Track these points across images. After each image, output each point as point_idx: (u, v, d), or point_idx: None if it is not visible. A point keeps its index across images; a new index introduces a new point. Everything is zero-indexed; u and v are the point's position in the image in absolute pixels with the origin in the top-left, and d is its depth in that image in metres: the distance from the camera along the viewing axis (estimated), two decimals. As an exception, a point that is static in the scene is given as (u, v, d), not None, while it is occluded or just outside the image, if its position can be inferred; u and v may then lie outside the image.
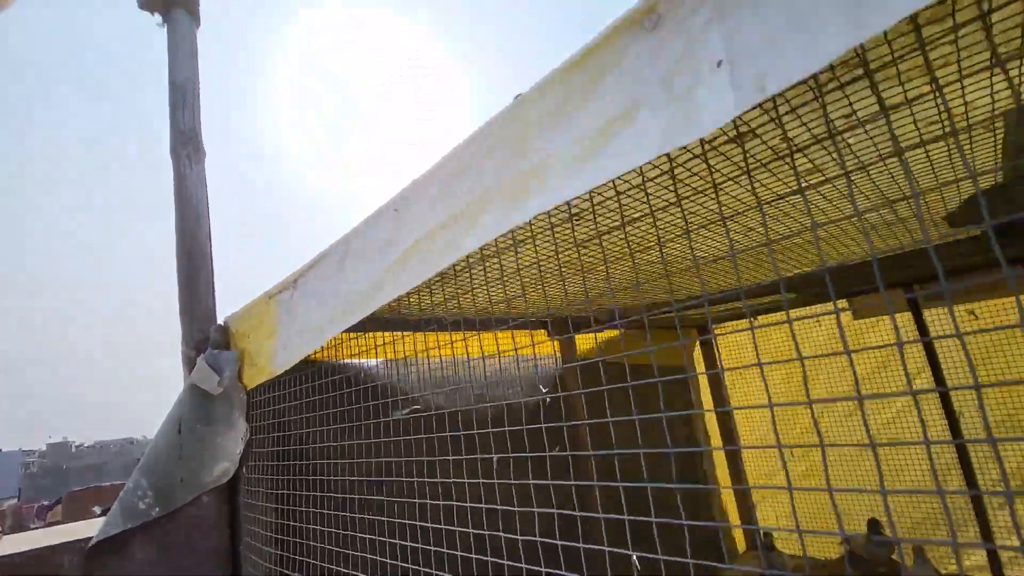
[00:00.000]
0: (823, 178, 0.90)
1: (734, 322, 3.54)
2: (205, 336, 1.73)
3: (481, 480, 1.00)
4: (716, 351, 3.63)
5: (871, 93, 0.58)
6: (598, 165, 0.57)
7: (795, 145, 0.72)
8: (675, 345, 0.75)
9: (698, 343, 3.61)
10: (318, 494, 1.47)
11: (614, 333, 2.93)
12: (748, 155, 0.81)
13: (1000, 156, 1.09)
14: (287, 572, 1.46)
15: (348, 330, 1.05)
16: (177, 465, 1.52)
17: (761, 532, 3.21)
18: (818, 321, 3.37)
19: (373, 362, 1.96)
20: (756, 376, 3.56)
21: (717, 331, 3.53)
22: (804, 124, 0.69)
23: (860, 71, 0.53)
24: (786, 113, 0.61)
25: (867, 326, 3.18)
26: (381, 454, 1.35)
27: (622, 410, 1.03)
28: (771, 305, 3.15)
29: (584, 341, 2.90)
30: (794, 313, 3.33)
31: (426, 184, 0.86)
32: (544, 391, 2.75)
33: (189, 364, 1.71)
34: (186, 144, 1.95)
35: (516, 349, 2.09)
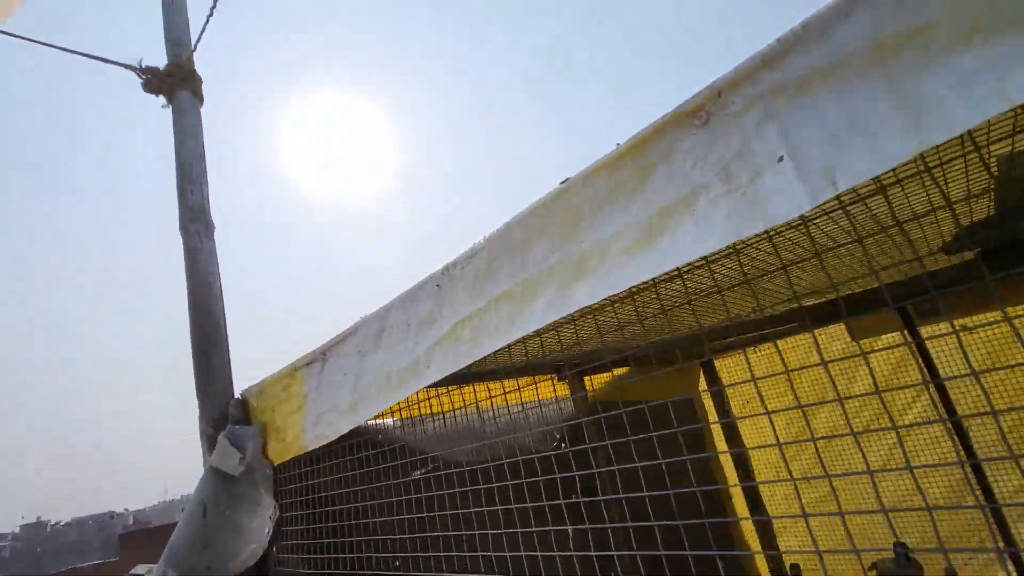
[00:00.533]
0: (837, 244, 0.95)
1: (737, 350, 3.58)
2: (224, 412, 1.71)
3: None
4: (709, 378, 3.64)
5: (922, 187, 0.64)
6: (660, 250, 0.60)
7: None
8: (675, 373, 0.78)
9: (701, 373, 3.63)
10: (358, 573, 1.43)
11: (622, 371, 2.95)
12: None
13: (992, 192, 1.16)
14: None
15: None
16: (203, 553, 1.46)
17: (788, 565, 3.16)
18: (820, 346, 3.44)
19: (389, 422, 1.94)
20: (764, 404, 3.58)
21: (717, 359, 3.57)
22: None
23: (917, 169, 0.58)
24: (852, 203, 0.66)
25: (866, 346, 3.25)
26: (407, 517, 1.34)
27: (638, 449, 1.05)
28: (781, 333, 3.21)
29: (593, 381, 2.90)
30: (797, 339, 3.38)
31: (470, 262, 0.89)
32: (557, 436, 2.74)
33: (208, 441, 1.68)
34: (195, 220, 1.98)
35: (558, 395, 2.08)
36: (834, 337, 3.38)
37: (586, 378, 2.86)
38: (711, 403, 3.56)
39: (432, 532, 1.27)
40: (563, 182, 0.75)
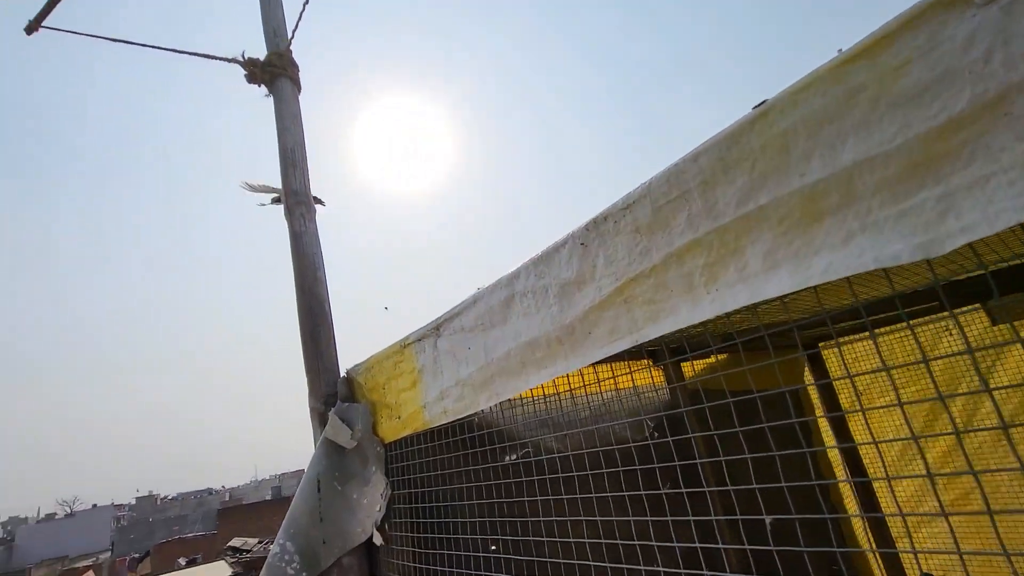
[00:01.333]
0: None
1: (846, 337, 3.24)
2: (332, 390, 1.72)
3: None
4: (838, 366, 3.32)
5: None
6: (965, 183, 0.46)
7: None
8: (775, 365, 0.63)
9: (806, 364, 3.32)
10: (456, 553, 1.39)
11: (720, 357, 2.74)
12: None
13: None
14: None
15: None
16: (319, 527, 1.48)
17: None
18: (948, 331, 3.05)
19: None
20: (880, 396, 3.23)
21: (824, 348, 3.26)
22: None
23: None
24: None
25: (1010, 332, 2.83)
26: (504, 511, 1.29)
27: (733, 439, 0.93)
28: (887, 319, 2.86)
29: (689, 368, 2.72)
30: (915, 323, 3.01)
31: (625, 214, 0.79)
32: (651, 425, 2.60)
33: (319, 418, 1.70)
34: (299, 203, 2.02)
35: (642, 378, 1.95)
36: (968, 321, 2.98)
37: (684, 365, 2.68)
38: (817, 397, 3.24)
39: (526, 517, 1.21)
40: (758, 105, 0.63)
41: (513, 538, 1.29)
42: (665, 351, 0.90)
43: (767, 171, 0.60)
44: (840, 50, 0.57)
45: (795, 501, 0.82)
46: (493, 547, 1.41)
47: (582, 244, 0.86)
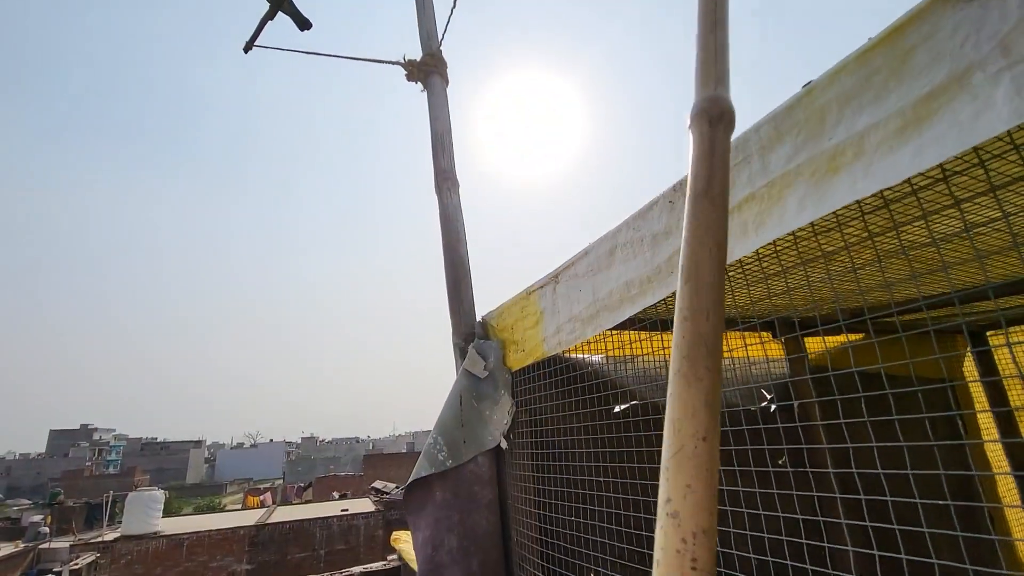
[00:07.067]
0: None
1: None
2: (471, 330, 2.13)
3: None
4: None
5: None
6: (934, 134, 0.63)
7: None
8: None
9: (969, 354, 2.96)
10: (567, 477, 1.69)
11: (854, 337, 2.65)
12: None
13: None
14: (547, 528, 1.70)
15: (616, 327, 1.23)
16: (461, 430, 1.90)
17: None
18: None
19: (598, 358, 2.14)
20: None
21: (993, 337, 2.90)
22: None
23: None
24: None
25: None
26: (611, 446, 1.51)
27: (860, 425, 0.96)
28: None
29: (815, 344, 2.67)
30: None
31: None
32: (770, 398, 2.62)
33: (460, 352, 2.12)
34: (446, 179, 2.44)
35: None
36: None
37: (809, 340, 2.64)
38: (982, 394, 2.84)
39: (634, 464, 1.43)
40: (805, 85, 0.81)
41: (621, 496, 1.51)
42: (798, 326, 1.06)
43: (808, 137, 0.78)
44: (869, 39, 0.73)
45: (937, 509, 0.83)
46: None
47: (670, 202, 1.08)
